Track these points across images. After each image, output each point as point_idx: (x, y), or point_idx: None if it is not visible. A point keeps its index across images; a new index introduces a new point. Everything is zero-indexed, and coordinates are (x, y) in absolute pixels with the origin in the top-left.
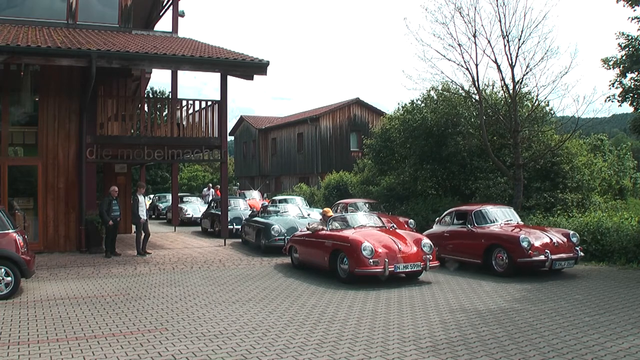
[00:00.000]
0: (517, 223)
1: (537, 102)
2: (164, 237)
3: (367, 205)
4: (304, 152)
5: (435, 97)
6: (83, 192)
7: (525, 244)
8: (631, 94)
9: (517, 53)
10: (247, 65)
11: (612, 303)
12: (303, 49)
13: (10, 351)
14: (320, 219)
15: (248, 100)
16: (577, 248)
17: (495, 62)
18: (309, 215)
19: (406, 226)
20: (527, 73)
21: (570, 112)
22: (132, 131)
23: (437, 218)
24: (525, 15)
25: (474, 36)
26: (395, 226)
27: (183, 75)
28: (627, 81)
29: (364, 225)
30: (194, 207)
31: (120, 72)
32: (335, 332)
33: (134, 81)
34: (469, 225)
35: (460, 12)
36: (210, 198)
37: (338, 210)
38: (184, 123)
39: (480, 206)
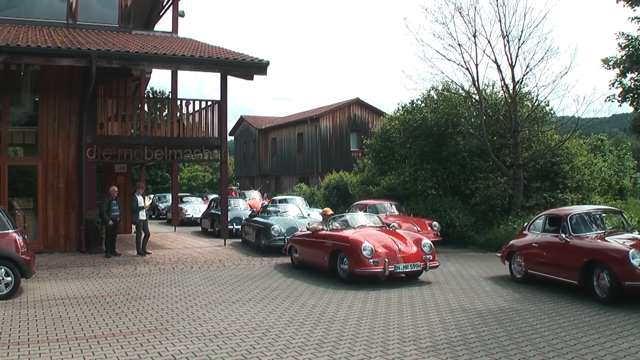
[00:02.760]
0: (631, 233)
1: (537, 102)
2: (164, 237)
3: (392, 206)
4: (304, 152)
5: (435, 97)
6: (83, 192)
7: (636, 262)
8: (631, 94)
9: (517, 53)
10: (247, 65)
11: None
12: (303, 49)
13: (10, 351)
14: (321, 220)
15: (248, 100)
16: None
17: (495, 62)
18: (309, 215)
19: (429, 228)
20: (527, 73)
21: (570, 112)
22: (132, 131)
23: (526, 223)
24: (525, 15)
25: (474, 36)
26: (419, 229)
27: (183, 75)
28: (627, 81)
29: (364, 225)
30: (194, 207)
31: (120, 72)
32: (335, 332)
33: (134, 81)
34: (563, 234)
35: (460, 12)
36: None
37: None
38: (184, 122)
39: (578, 209)
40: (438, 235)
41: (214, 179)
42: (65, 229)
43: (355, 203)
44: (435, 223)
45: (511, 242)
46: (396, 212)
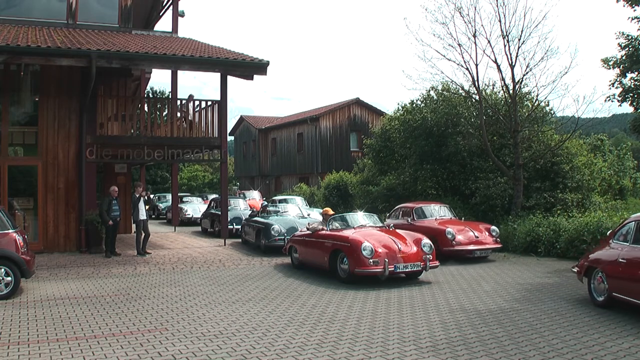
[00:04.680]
0: None
1: (537, 102)
2: (164, 237)
3: (443, 209)
4: (304, 152)
5: (435, 97)
6: (83, 192)
7: None
8: (631, 94)
9: (517, 53)
10: (247, 65)
11: (612, 303)
12: (303, 49)
13: (10, 351)
14: (321, 220)
15: (248, 100)
16: None
17: (495, 62)
18: (309, 215)
19: (487, 234)
20: (527, 73)
21: (570, 112)
22: (132, 131)
23: (612, 229)
24: (525, 15)
25: (474, 36)
26: (478, 236)
27: (183, 75)
28: (627, 81)
29: (364, 225)
30: (194, 207)
31: (120, 72)
32: (335, 332)
33: (134, 81)
34: None
35: (460, 12)
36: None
37: (400, 216)
38: (184, 122)
39: None
40: (498, 242)
41: (214, 179)
42: (65, 229)
43: (399, 206)
44: (493, 228)
45: (591, 255)
46: (447, 216)
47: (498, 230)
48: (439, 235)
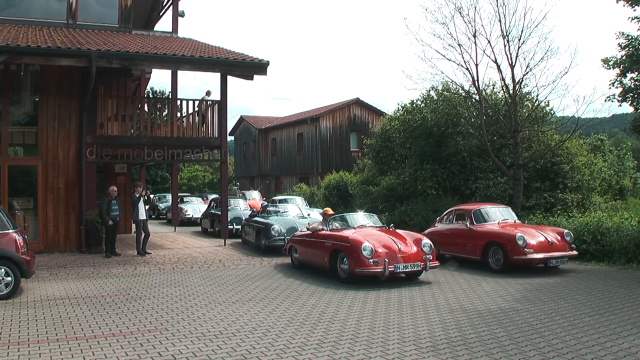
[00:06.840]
0: None
1: (537, 102)
2: (164, 237)
3: (504, 212)
4: (304, 152)
5: (435, 97)
6: (83, 192)
7: None
8: (631, 94)
9: (517, 53)
10: (247, 65)
11: (612, 303)
12: (303, 49)
13: (10, 351)
14: (321, 220)
15: (248, 100)
16: None
17: (495, 62)
18: (309, 215)
19: (559, 237)
20: (527, 73)
21: (570, 112)
22: (132, 131)
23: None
24: (525, 15)
25: (474, 36)
26: (551, 242)
27: (183, 75)
28: (627, 81)
29: (364, 225)
30: (194, 207)
31: (120, 72)
32: (335, 332)
33: (134, 81)
34: None
35: (460, 12)
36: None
37: (454, 220)
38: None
39: None
40: (573, 248)
41: (214, 179)
42: (65, 229)
43: (453, 208)
44: (567, 232)
45: None
46: (510, 220)
47: (572, 235)
48: (507, 241)
